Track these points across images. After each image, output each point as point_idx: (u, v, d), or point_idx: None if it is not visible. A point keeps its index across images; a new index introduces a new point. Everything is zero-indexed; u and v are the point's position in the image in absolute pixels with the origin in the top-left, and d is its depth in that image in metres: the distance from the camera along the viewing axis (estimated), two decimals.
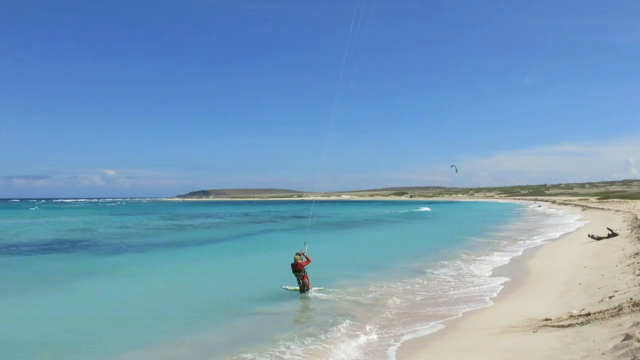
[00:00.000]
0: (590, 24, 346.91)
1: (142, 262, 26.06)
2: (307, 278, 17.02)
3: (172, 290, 18.64)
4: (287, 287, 17.25)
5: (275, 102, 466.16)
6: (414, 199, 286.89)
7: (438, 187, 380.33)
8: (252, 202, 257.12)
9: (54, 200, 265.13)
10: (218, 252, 30.58)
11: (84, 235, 43.27)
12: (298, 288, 16.96)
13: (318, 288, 17.40)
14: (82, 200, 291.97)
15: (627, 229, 31.20)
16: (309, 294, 16.79)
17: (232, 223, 63.24)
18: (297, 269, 16.97)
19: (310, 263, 17.15)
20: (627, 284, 14.12)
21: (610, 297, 12.79)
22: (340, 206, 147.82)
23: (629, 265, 17.34)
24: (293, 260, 17.07)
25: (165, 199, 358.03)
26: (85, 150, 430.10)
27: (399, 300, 16.16)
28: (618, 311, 10.58)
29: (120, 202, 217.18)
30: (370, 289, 17.93)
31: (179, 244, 35.84)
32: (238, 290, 18.23)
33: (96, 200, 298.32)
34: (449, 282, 19.41)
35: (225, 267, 24.62)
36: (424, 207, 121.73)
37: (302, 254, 17.19)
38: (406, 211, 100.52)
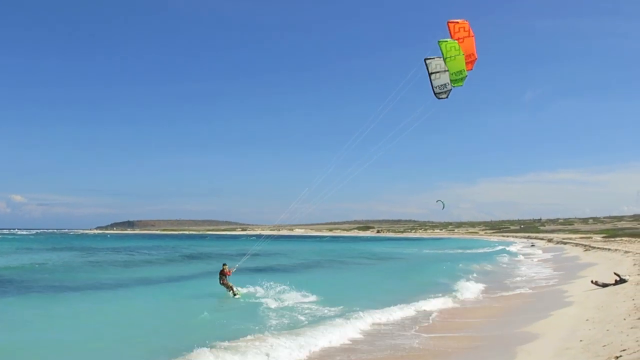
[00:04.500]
0: (610, 25, 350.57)
1: (38, 306, 26.25)
2: (227, 282, 29.47)
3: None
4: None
5: (217, 113, 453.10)
6: (381, 234, 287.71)
7: (410, 221, 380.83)
8: (188, 235, 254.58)
9: None
10: (135, 297, 30.96)
11: None
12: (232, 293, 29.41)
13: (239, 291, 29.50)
14: None
15: (638, 275, 31.58)
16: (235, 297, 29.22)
17: (160, 261, 63.65)
18: (223, 273, 29.41)
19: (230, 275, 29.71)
20: (637, 340, 14.03)
21: (617, 358, 12.68)
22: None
23: (639, 318, 17.28)
24: (222, 267, 29.87)
25: (82, 231, 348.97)
26: None
27: None
28: None
29: (27, 235, 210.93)
30: None
31: (88, 286, 35.80)
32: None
33: None
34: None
35: (138, 316, 24.60)
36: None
37: (231, 269, 29.64)
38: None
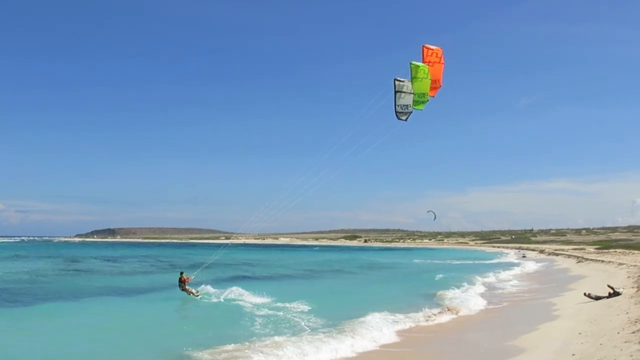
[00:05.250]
0: (608, 32, 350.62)
1: (30, 317, 26.39)
2: (186, 287, 32.55)
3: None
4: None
5: (200, 119, 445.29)
6: (369, 244, 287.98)
7: (399, 230, 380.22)
8: (179, 244, 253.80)
9: None
10: (134, 306, 31.42)
11: None
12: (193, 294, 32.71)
13: (199, 292, 32.97)
14: None
15: (633, 287, 31.61)
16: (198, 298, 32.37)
17: (142, 271, 63.25)
18: (181, 280, 32.62)
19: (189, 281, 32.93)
20: (631, 355, 13.97)
21: None
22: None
23: (633, 332, 17.20)
24: (179, 276, 33.14)
25: (65, 239, 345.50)
26: None
27: None
28: None
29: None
30: None
31: (66, 296, 35.47)
32: None
33: None
34: None
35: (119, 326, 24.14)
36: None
37: (188, 276, 33.05)
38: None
